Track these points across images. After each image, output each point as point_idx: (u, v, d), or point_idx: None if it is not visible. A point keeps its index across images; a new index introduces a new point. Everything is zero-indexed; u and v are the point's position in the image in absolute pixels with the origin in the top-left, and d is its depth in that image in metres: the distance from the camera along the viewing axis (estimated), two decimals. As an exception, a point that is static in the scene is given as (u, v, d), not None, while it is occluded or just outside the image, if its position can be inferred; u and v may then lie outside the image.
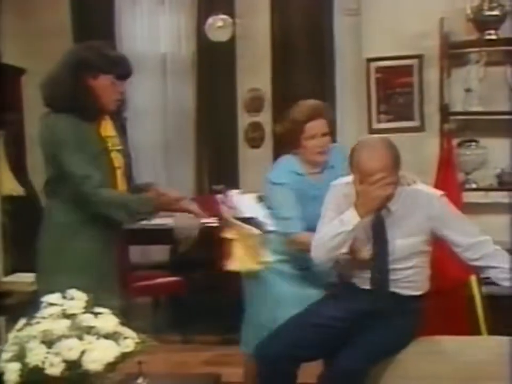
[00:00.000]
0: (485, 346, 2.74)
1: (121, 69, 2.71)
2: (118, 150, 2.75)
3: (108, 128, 2.75)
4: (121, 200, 2.64)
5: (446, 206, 2.70)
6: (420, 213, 2.65)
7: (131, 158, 2.86)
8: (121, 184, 2.75)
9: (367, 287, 2.71)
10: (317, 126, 2.95)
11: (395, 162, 2.59)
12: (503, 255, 2.68)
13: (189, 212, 2.74)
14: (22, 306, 3.25)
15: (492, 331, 2.92)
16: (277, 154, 6.33)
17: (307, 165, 3.02)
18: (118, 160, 2.74)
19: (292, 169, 3.00)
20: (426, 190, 2.73)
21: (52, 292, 2.08)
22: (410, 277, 2.69)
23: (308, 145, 2.97)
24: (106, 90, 2.67)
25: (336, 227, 2.64)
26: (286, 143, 3.09)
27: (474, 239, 2.68)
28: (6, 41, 5.47)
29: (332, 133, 3.03)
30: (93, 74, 2.65)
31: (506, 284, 2.62)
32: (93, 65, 2.65)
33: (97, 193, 2.59)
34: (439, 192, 2.73)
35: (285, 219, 2.94)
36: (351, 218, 2.60)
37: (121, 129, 2.86)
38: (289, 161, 3.04)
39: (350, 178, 2.69)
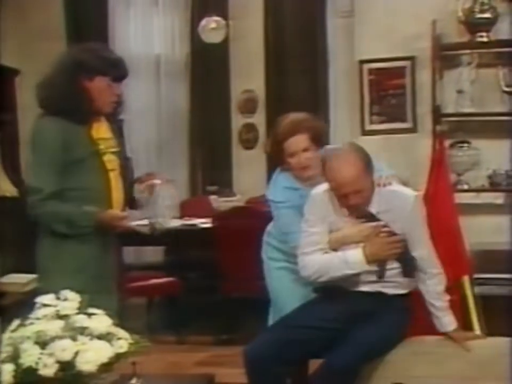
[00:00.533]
0: (478, 347, 2.76)
1: (118, 71, 2.71)
2: (112, 152, 2.75)
3: (101, 130, 2.75)
4: (64, 214, 2.64)
5: (418, 207, 2.71)
6: (396, 212, 2.67)
7: (128, 159, 2.86)
8: (116, 186, 2.75)
9: (356, 288, 2.73)
10: (295, 143, 2.88)
11: (366, 168, 2.61)
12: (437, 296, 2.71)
13: (127, 230, 2.72)
14: (16, 307, 3.26)
15: (485, 331, 2.93)
16: (270, 157, 6.38)
17: (298, 179, 2.98)
18: (111, 162, 2.74)
19: (287, 185, 2.96)
20: (401, 190, 2.74)
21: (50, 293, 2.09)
22: (396, 276, 2.71)
23: (290, 162, 2.92)
24: (102, 92, 2.67)
25: (339, 266, 2.65)
26: (274, 161, 3.09)
27: (425, 258, 2.70)
28: (0, 43, 5.46)
29: (320, 144, 2.93)
30: (89, 76, 2.65)
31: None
32: (89, 67, 2.65)
33: (41, 205, 2.61)
34: (414, 193, 2.74)
35: (286, 234, 2.95)
36: (358, 263, 2.64)
37: (118, 130, 2.87)
38: (283, 178, 3.00)
39: (327, 185, 2.70)
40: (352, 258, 2.64)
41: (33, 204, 2.62)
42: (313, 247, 2.71)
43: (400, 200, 2.69)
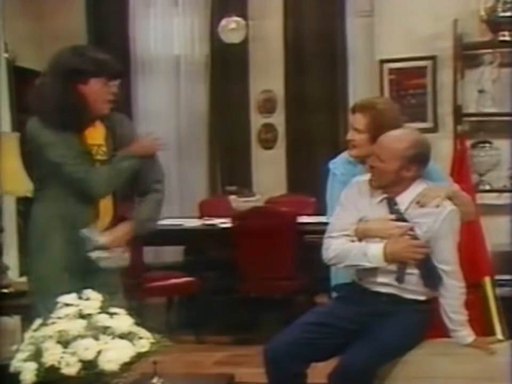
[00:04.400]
0: (498, 348, 2.74)
1: (111, 70, 2.68)
2: (99, 160, 2.71)
3: (94, 135, 2.72)
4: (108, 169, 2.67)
5: (452, 221, 2.66)
6: (429, 219, 2.64)
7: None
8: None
9: (374, 289, 2.72)
10: (353, 119, 2.91)
11: (410, 155, 2.61)
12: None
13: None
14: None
15: (506, 333, 2.91)
16: (290, 155, 6.39)
17: None
18: None
19: (349, 159, 2.97)
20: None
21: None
22: (416, 284, 2.68)
23: None
24: (98, 93, 2.64)
25: (358, 257, 2.64)
26: None
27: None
28: (21, 44, 5.51)
29: (374, 134, 2.82)
30: (83, 80, 2.61)
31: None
32: (82, 70, 2.61)
33: (87, 172, 2.62)
34: (453, 206, 2.69)
35: (328, 205, 2.96)
36: (377, 257, 2.62)
37: (129, 133, 2.82)
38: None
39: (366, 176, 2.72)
40: (372, 252, 2.62)
41: (71, 172, 2.61)
42: (340, 232, 2.70)
43: (434, 210, 2.65)
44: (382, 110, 2.86)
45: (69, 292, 2.10)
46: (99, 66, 2.64)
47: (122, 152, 2.71)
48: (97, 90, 2.63)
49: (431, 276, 2.66)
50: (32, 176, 2.88)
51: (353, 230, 2.70)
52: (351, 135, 2.90)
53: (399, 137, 2.66)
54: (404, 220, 2.66)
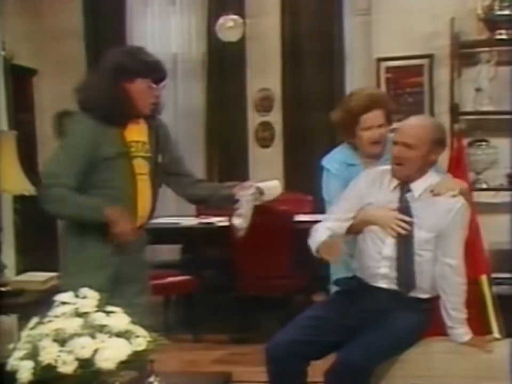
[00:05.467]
0: (495, 346, 2.74)
1: (157, 73, 2.75)
2: (142, 157, 2.76)
3: (135, 133, 2.77)
4: (72, 201, 2.65)
5: (461, 216, 2.68)
6: (438, 211, 2.65)
7: (159, 164, 2.83)
8: (143, 190, 2.76)
9: (379, 285, 2.72)
10: (373, 117, 2.87)
11: (431, 141, 2.65)
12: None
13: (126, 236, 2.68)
14: (34, 306, 3.28)
15: (503, 331, 2.91)
16: (287, 154, 6.39)
17: (361, 155, 2.97)
18: (141, 166, 2.76)
19: (344, 160, 2.96)
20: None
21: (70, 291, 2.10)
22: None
23: (362, 136, 2.89)
24: (143, 94, 2.70)
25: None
26: (340, 132, 3.04)
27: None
28: (18, 43, 5.50)
29: (390, 123, 2.92)
30: (130, 78, 2.68)
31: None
32: (130, 69, 2.68)
33: (51, 189, 2.61)
34: (463, 200, 2.70)
35: (329, 203, 2.96)
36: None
37: (164, 137, 2.88)
38: (342, 151, 3.01)
39: (383, 168, 2.76)
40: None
41: (45, 185, 2.64)
42: (335, 219, 2.74)
43: (447, 202, 2.66)
44: (387, 97, 3.01)
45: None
46: (147, 67, 2.70)
47: (99, 203, 2.67)
48: (142, 91, 2.70)
49: (406, 274, 2.66)
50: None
51: (350, 217, 2.72)
52: (378, 133, 2.88)
53: (422, 123, 2.72)
54: (409, 212, 2.66)
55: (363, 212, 2.72)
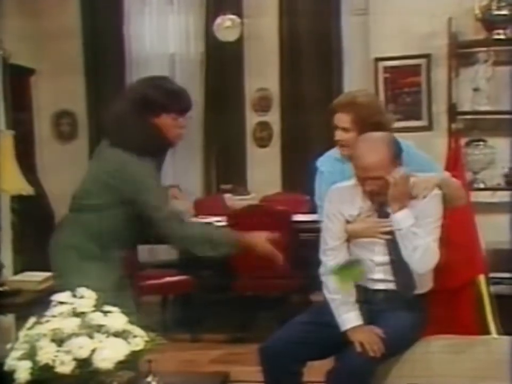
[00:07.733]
0: (493, 346, 2.75)
1: (182, 105, 2.76)
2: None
3: None
4: (207, 234, 2.78)
5: (435, 203, 2.66)
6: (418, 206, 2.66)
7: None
8: None
9: (376, 287, 2.72)
10: (337, 119, 2.88)
11: (391, 158, 2.59)
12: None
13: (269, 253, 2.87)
14: (31, 305, 3.28)
15: (501, 331, 2.92)
16: (285, 154, 6.39)
17: None
18: None
19: (337, 157, 2.97)
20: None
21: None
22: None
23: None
24: (169, 127, 2.71)
25: None
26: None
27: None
28: (15, 42, 5.49)
29: (365, 128, 2.80)
30: (156, 113, 2.68)
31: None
32: (154, 104, 2.67)
33: (180, 228, 2.68)
34: (437, 191, 2.70)
35: (318, 206, 2.95)
36: None
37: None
38: (336, 150, 3.02)
39: (349, 182, 2.72)
40: None
41: (171, 227, 2.66)
42: (332, 244, 2.75)
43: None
44: (363, 103, 2.85)
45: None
46: (170, 101, 2.70)
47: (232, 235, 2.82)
48: (168, 124, 2.71)
49: (404, 276, 2.67)
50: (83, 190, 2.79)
51: (344, 234, 2.73)
52: (339, 135, 2.88)
53: (375, 146, 2.60)
54: (387, 214, 2.66)
55: (349, 229, 2.72)
